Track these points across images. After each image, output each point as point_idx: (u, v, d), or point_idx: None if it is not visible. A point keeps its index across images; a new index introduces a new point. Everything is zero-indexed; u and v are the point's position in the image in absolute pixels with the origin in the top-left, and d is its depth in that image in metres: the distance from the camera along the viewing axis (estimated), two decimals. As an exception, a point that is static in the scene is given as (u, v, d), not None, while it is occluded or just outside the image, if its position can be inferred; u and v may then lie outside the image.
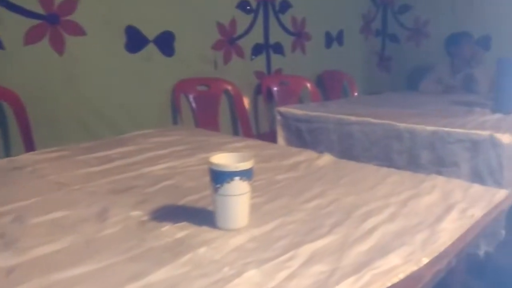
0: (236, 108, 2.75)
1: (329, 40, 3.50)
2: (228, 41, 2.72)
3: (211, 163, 0.76)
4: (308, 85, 3.04)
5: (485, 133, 1.49)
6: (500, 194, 0.93)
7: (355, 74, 3.61)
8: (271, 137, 2.14)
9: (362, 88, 3.78)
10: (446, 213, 0.83)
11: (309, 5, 3.22)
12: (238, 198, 0.76)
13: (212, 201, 0.78)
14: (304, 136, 1.97)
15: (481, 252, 1.06)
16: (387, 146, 1.72)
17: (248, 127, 2.76)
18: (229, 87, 2.70)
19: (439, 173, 1.61)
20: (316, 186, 1.01)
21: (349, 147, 1.83)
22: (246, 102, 2.85)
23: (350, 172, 1.12)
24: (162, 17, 2.36)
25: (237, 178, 0.75)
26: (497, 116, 1.81)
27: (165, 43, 2.40)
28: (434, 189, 0.96)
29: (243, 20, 2.79)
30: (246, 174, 0.76)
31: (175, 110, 2.48)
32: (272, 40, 3.00)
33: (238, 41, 2.78)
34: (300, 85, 3.05)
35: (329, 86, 3.49)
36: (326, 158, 1.23)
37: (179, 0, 2.42)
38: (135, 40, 2.27)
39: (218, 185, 0.75)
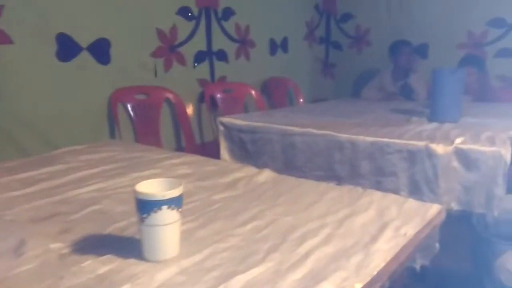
0: (178, 117, 2.69)
1: (274, 47, 3.52)
2: (168, 48, 2.65)
3: (136, 192, 0.72)
4: (253, 92, 3.04)
5: (421, 143, 1.53)
6: (433, 209, 0.96)
7: (300, 81, 3.66)
8: (215, 146, 2.11)
9: (307, 94, 3.84)
10: (380, 232, 0.84)
11: (253, 12, 3.23)
12: (166, 228, 0.72)
13: (138, 231, 0.74)
14: (247, 147, 1.95)
15: (417, 266, 1.08)
16: (329, 156, 1.74)
17: (191, 137, 2.70)
18: (170, 96, 2.63)
19: (379, 183, 1.66)
20: (253, 206, 0.98)
21: (292, 158, 1.83)
22: (189, 110, 2.79)
23: (289, 188, 1.11)
24: (96, 23, 2.26)
25: (164, 207, 0.71)
26: (433, 125, 1.89)
27: (100, 50, 2.29)
28: (371, 206, 0.97)
29: (185, 27, 2.74)
30: (174, 202, 0.72)
31: (112, 122, 2.38)
32: (215, 47, 2.97)
33: (179, 48, 2.72)
34: (244, 92, 3.04)
35: (274, 93, 3.51)
36: (266, 174, 1.21)
37: (115, 6, 2.33)
38: (67, 48, 2.16)
39: (145, 215, 0.71)
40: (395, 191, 1.60)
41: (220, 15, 2.98)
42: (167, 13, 2.64)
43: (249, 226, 0.87)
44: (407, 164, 1.57)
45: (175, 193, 0.72)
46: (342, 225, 0.87)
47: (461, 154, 1.47)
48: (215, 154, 2.02)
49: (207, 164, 1.32)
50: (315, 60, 4.14)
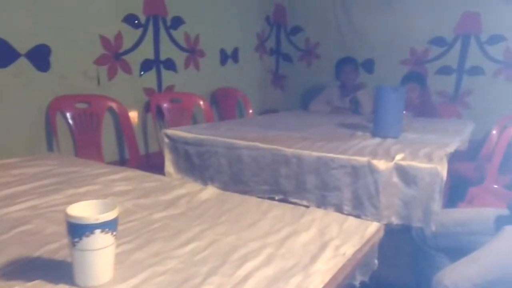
0: (122, 127, 2.62)
1: (224, 57, 3.53)
2: (113, 56, 2.59)
3: (67, 215, 0.69)
4: (201, 102, 3.02)
5: (364, 159, 1.59)
6: (372, 227, 0.99)
7: (250, 92, 3.69)
8: (161, 157, 2.08)
9: (257, 105, 3.88)
10: (320, 252, 0.85)
11: (203, 22, 3.22)
12: (99, 253, 0.70)
13: (70, 255, 0.71)
14: (193, 160, 1.93)
15: (357, 282, 1.11)
16: (275, 171, 1.76)
17: (134, 148, 2.64)
18: (114, 105, 2.56)
19: (323, 197, 1.69)
20: (195, 225, 0.97)
21: (238, 172, 1.83)
22: (133, 120, 2.73)
23: (233, 206, 1.10)
24: (36, 29, 2.17)
25: (98, 231, 0.68)
26: (376, 140, 1.96)
27: (40, 57, 2.20)
28: (313, 224, 0.99)
29: (131, 35, 2.69)
30: (108, 226, 0.69)
31: (50, 133, 2.27)
32: (163, 56, 2.93)
33: (124, 56, 2.66)
34: (192, 102, 3.01)
35: (223, 104, 3.51)
36: (210, 191, 1.21)
37: (56, 12, 2.25)
38: (3, 54, 2.05)
39: (76, 239, 0.68)
40: (339, 206, 1.65)
41: (169, 23, 2.95)
42: (112, 20, 2.58)
43: (188, 247, 0.86)
44: (350, 179, 1.62)
45: (109, 216, 0.69)
46: (283, 245, 0.88)
47: (401, 170, 1.53)
48: (160, 165, 1.99)
49: (148, 180, 1.29)
50: (266, 71, 4.20)
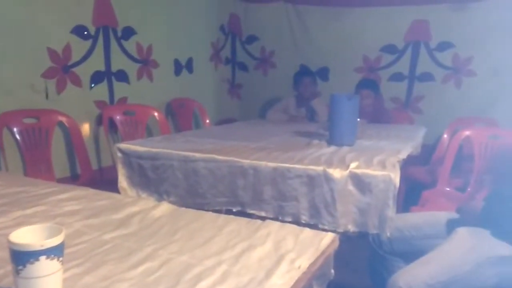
0: (73, 142, 2.54)
1: (178, 67, 3.51)
2: (62, 69, 2.52)
3: (10, 242, 0.66)
4: (156, 114, 2.99)
5: (319, 168, 1.62)
6: (327, 238, 1.01)
7: (206, 102, 3.69)
8: (115, 171, 2.02)
9: (214, 115, 3.87)
10: (276, 266, 0.86)
11: (156, 32, 3.19)
12: (45, 280, 0.68)
13: (14, 283, 0.68)
14: (147, 174, 1.90)
15: (314, 293, 1.13)
16: (232, 182, 1.76)
17: (87, 163, 2.57)
18: (64, 119, 2.49)
19: (281, 207, 1.71)
20: (147, 245, 0.96)
21: (195, 184, 1.82)
22: (85, 134, 2.66)
23: (187, 222, 1.10)
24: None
25: (43, 257, 0.66)
26: (332, 149, 2.00)
27: (-17, 70, 2.11)
28: (268, 238, 1.00)
29: (80, 46, 2.63)
30: (54, 252, 0.67)
31: (-4, 150, 2.18)
32: (114, 68, 2.88)
33: (74, 69, 2.59)
34: (146, 114, 2.97)
35: (179, 115, 3.49)
36: (164, 207, 1.19)
37: (0, 24, 2.16)
38: None
39: (20, 267, 0.66)
40: (297, 216, 1.67)
41: (119, 34, 2.90)
42: (60, 31, 2.51)
43: (140, 269, 0.84)
44: (307, 189, 1.65)
45: (54, 241, 0.67)
46: (238, 261, 0.88)
47: (355, 178, 1.57)
48: (115, 180, 1.95)
49: (99, 198, 1.26)
50: (221, 81, 4.21)
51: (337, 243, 1.03)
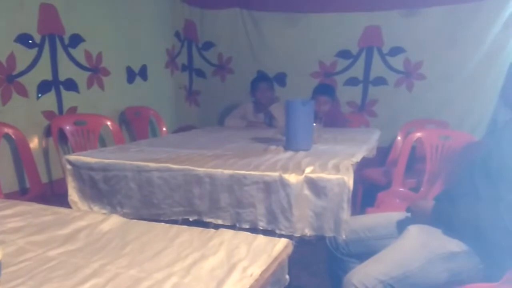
0: (20, 154, 2.44)
1: (131, 75, 3.44)
2: (6, 79, 2.41)
3: None
4: (109, 123, 2.91)
5: (275, 174, 1.62)
6: (280, 244, 1.01)
7: (163, 109, 3.64)
8: (65, 185, 1.95)
9: (171, 122, 3.83)
10: (228, 275, 0.85)
11: (106, 39, 3.12)
12: (-23, 304, 0.64)
13: None
14: (99, 186, 1.85)
15: (270, 300, 1.13)
16: (188, 191, 1.74)
17: (35, 176, 2.47)
18: (10, 131, 2.38)
19: (238, 215, 1.71)
20: (95, 260, 0.93)
21: (150, 195, 1.79)
22: (33, 146, 2.56)
23: (138, 235, 1.07)
24: None
25: (-26, 279, 0.62)
26: (288, 154, 2.02)
27: None
28: (221, 247, 0.99)
29: (25, 55, 2.53)
30: (-13, 272, 0.64)
31: None
32: (62, 77, 2.79)
33: (19, 79, 2.49)
34: (99, 124, 2.89)
35: (135, 123, 3.42)
36: (113, 221, 1.16)
37: None
38: None
39: None
40: (254, 222, 1.67)
41: (67, 42, 2.82)
42: (3, 40, 2.41)
43: (87, 285, 0.81)
44: (263, 195, 1.65)
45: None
46: (189, 273, 0.87)
47: (311, 183, 1.59)
48: (66, 193, 1.88)
49: (45, 213, 1.21)
50: (178, 87, 4.16)
51: (290, 249, 1.03)
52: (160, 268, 0.89)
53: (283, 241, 1.03)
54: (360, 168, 3.24)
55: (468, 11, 3.57)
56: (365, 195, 3.18)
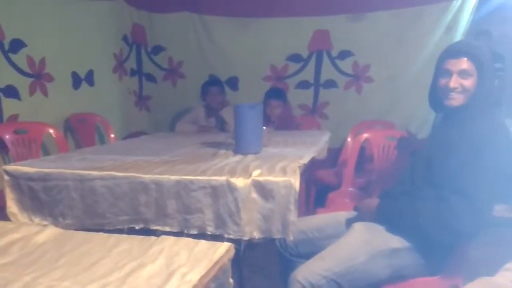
0: (-45, 166, 2.31)
1: (77, 80, 3.33)
2: None
3: None
4: (52, 131, 2.81)
5: (222, 178, 1.62)
6: (222, 248, 1.01)
7: (111, 116, 3.54)
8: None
9: (121, 129, 3.74)
10: (165, 283, 0.85)
11: (49, 44, 3.01)
12: None
13: None
14: (39, 197, 1.78)
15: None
16: (134, 199, 1.70)
17: (-28, 189, 2.34)
18: None
19: (186, 221, 1.69)
20: (27, 273, 0.89)
21: (93, 204, 1.74)
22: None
23: (75, 246, 1.04)
24: None
25: None
26: (237, 158, 2.02)
27: None
28: (161, 254, 0.98)
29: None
30: None
31: None
32: (2, 83, 2.66)
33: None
34: (41, 132, 2.78)
35: (81, 131, 3.32)
36: (49, 232, 1.12)
37: None
38: None
39: None
40: (202, 227, 1.66)
41: (7, 47, 2.69)
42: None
43: (15, 301, 0.78)
44: (211, 200, 1.65)
45: None
46: (125, 282, 0.85)
47: (258, 186, 1.60)
48: (5, 205, 1.80)
49: (-25, 227, 1.16)
50: (127, 93, 4.07)
51: (232, 252, 1.04)
52: (95, 279, 0.87)
53: (225, 245, 1.03)
54: (313, 170, 3.31)
55: (412, 15, 3.72)
56: (318, 196, 3.24)
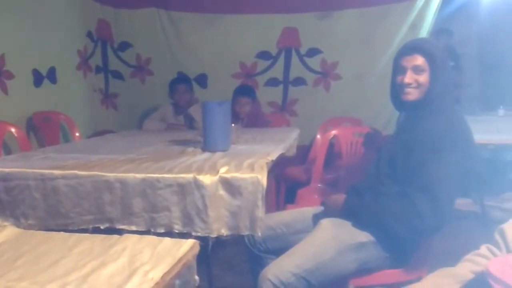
0: None
1: (39, 78, 3.23)
2: None
3: None
4: (13, 130, 2.72)
5: (189, 176, 1.61)
6: (186, 245, 1.01)
7: (76, 114, 3.46)
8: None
9: (86, 127, 3.66)
10: (127, 281, 0.84)
11: (8, 40, 2.90)
12: None
13: None
14: (0, 197, 1.72)
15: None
16: (98, 198, 1.67)
17: None
18: None
19: (152, 219, 1.67)
20: (-19, 275, 0.86)
21: (56, 204, 1.69)
22: None
23: (34, 246, 1.02)
24: None
25: None
26: (205, 155, 2.01)
27: None
28: (123, 253, 0.97)
29: None
30: None
31: None
32: (-43, 81, 2.58)
33: None
34: (2, 131, 2.69)
35: (44, 129, 3.23)
36: (7, 232, 1.09)
37: None
38: None
39: None
40: (170, 226, 1.64)
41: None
42: None
43: (-32, 304, 0.76)
44: (178, 198, 1.63)
45: None
46: (86, 281, 0.84)
47: (225, 183, 1.60)
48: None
49: None
50: (93, 90, 3.98)
51: (197, 249, 1.04)
52: (54, 279, 0.85)
53: (189, 242, 1.03)
54: (283, 167, 3.33)
55: (378, 13, 3.79)
56: (288, 193, 3.26)
